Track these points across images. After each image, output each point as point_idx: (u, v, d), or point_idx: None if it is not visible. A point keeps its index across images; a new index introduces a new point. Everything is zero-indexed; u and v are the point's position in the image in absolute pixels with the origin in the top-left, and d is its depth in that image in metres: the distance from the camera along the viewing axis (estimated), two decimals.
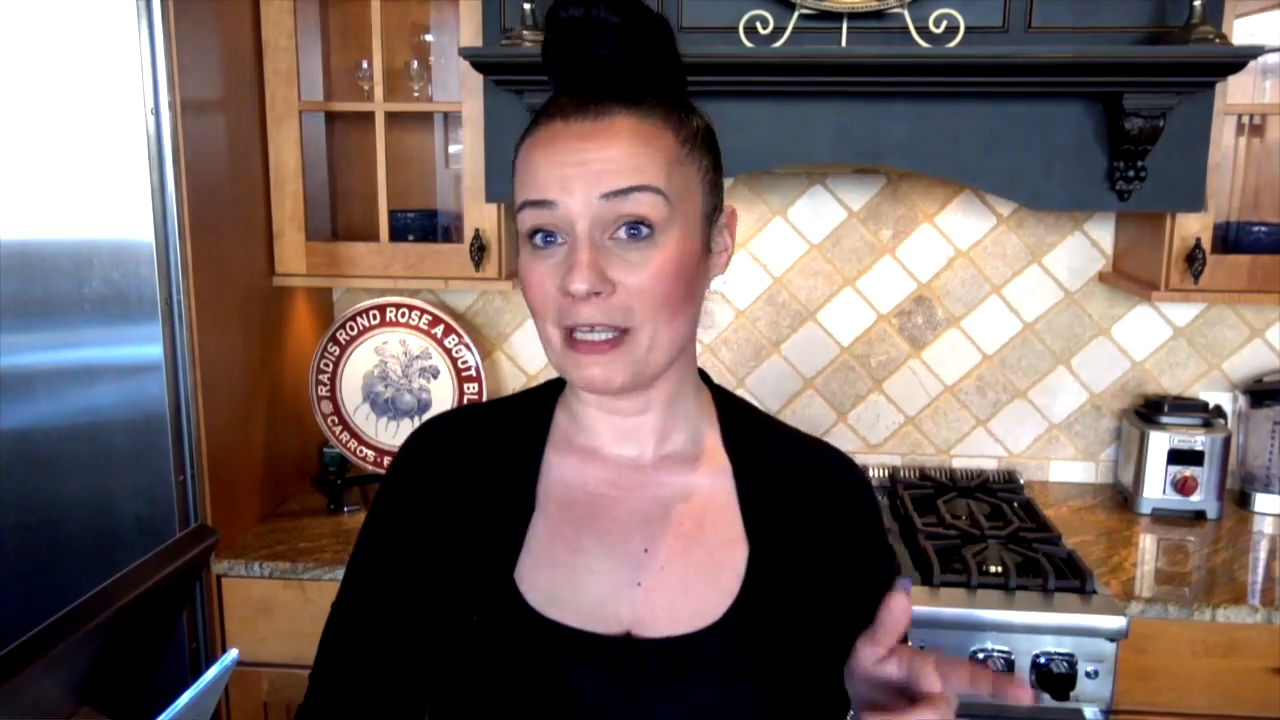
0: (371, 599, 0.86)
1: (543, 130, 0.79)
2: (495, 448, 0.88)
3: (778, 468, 0.87)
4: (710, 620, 0.80)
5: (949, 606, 1.60)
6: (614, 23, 0.76)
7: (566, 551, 0.83)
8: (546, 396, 0.91)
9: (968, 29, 1.68)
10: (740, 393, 0.94)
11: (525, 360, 2.28)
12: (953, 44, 1.68)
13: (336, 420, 2.15)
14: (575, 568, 0.82)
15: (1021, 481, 2.16)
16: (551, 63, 0.81)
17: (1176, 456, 1.99)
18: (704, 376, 0.91)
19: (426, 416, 2.14)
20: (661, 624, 0.80)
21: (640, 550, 0.82)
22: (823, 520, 0.86)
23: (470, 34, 1.84)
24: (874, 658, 0.68)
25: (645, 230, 0.75)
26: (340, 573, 1.76)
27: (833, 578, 0.84)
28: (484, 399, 2.15)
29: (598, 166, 0.74)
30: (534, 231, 0.77)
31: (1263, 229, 1.89)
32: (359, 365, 2.15)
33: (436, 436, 0.90)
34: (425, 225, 2.06)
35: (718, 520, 0.84)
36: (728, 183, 2.02)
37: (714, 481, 0.86)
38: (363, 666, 0.85)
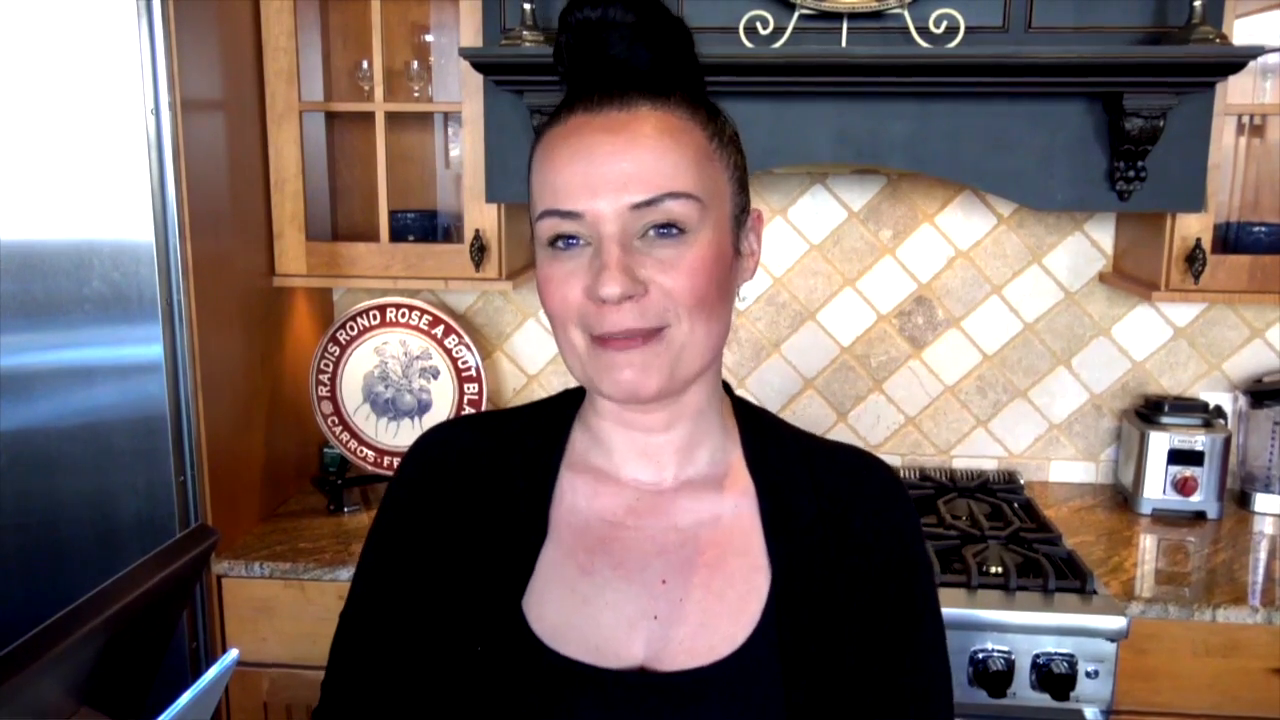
0: (376, 618, 0.83)
1: (563, 124, 0.74)
2: (507, 465, 0.83)
3: (804, 485, 0.82)
4: (727, 653, 0.76)
5: (949, 607, 1.59)
6: (629, 22, 0.73)
7: (579, 581, 0.78)
8: (563, 410, 0.87)
9: (968, 29, 1.68)
10: (740, 393, 0.91)
11: (526, 360, 2.28)
12: (953, 44, 1.68)
13: (336, 420, 2.15)
14: (588, 599, 0.78)
15: (1022, 482, 2.16)
16: (565, 65, 0.77)
17: (1177, 456, 1.99)
18: (726, 387, 0.87)
19: (427, 417, 2.16)
20: (678, 658, 0.76)
21: (658, 581, 0.78)
22: (855, 535, 0.81)
23: (470, 34, 1.84)
24: None
25: (676, 230, 0.72)
26: (340, 573, 1.77)
27: (863, 596, 0.79)
28: (484, 399, 2.15)
29: (626, 169, 0.71)
30: (555, 238, 0.73)
31: (1263, 229, 1.89)
32: (359, 365, 2.15)
33: (444, 446, 0.86)
34: (425, 225, 2.06)
35: (740, 548, 0.79)
36: None
37: (737, 506, 0.81)
38: (370, 683, 0.82)
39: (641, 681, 0.75)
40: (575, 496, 0.82)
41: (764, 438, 0.85)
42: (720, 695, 0.75)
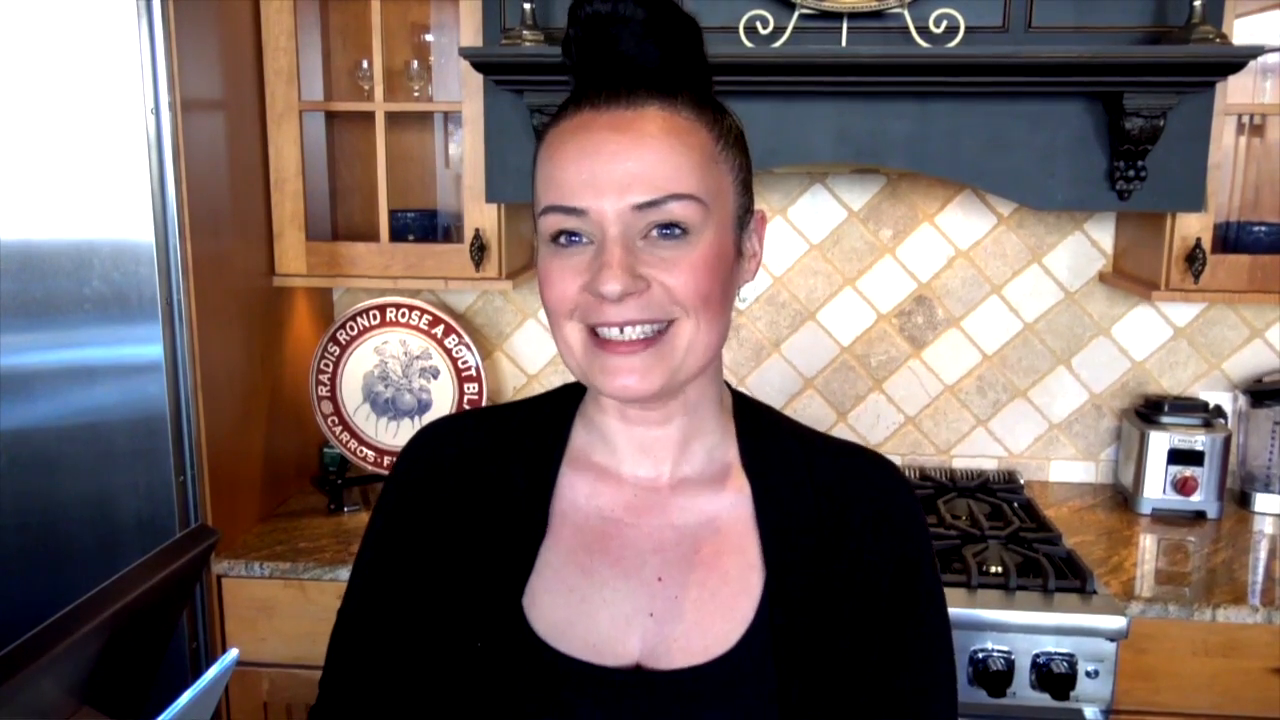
0: (374, 613, 0.83)
1: (570, 120, 0.74)
2: (507, 460, 0.84)
3: (802, 483, 0.82)
4: (721, 652, 0.76)
5: (949, 606, 1.59)
6: (640, 18, 0.72)
7: (577, 579, 0.79)
8: (564, 406, 0.87)
9: (968, 29, 1.68)
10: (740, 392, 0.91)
11: (525, 360, 2.28)
12: (953, 44, 1.68)
13: (336, 420, 2.15)
14: (586, 596, 0.78)
15: (1021, 481, 2.16)
16: (574, 60, 0.76)
17: (1176, 456, 1.99)
18: (727, 384, 0.87)
19: (427, 417, 2.16)
20: (674, 656, 0.76)
21: (654, 579, 0.79)
22: (853, 534, 0.80)
23: (470, 34, 1.84)
24: None
25: (679, 231, 0.72)
26: (340, 573, 1.77)
27: (860, 594, 0.79)
28: (484, 399, 2.15)
29: (631, 169, 0.71)
30: (558, 234, 0.73)
31: (1263, 229, 1.89)
32: (359, 365, 2.15)
33: (442, 441, 0.86)
34: (425, 225, 2.06)
35: (736, 546, 0.80)
36: None
37: (733, 504, 0.81)
38: (369, 678, 0.83)
39: (637, 680, 0.76)
40: (575, 493, 0.82)
41: (762, 435, 0.85)
42: (715, 693, 0.75)
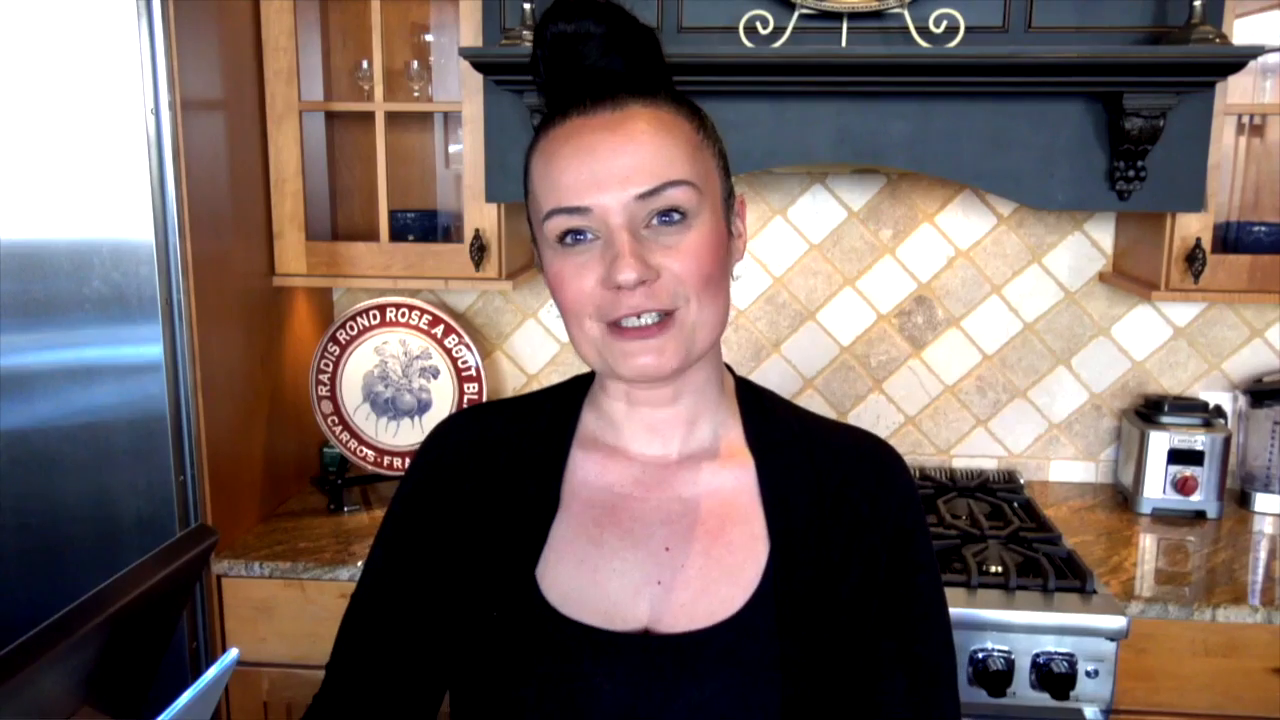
0: (391, 591, 0.88)
1: (560, 127, 0.79)
2: (521, 445, 0.89)
3: (803, 460, 0.86)
4: (726, 616, 0.80)
5: (949, 606, 1.59)
6: (600, 32, 0.77)
7: (588, 550, 0.83)
8: (573, 394, 0.92)
9: (968, 29, 1.68)
10: None
11: (525, 360, 2.28)
12: (953, 44, 1.68)
13: (336, 420, 2.15)
14: (596, 567, 0.83)
15: (1022, 481, 2.16)
16: (544, 78, 0.81)
17: (1176, 456, 1.99)
18: (728, 367, 0.92)
19: (427, 417, 2.16)
20: (680, 622, 0.80)
21: (662, 549, 0.83)
22: (851, 508, 0.84)
23: (470, 34, 1.84)
24: None
25: (678, 216, 0.76)
26: (340, 573, 1.77)
27: (859, 565, 0.83)
28: (484, 399, 2.15)
29: (627, 163, 0.75)
30: (564, 234, 0.77)
31: (1263, 229, 1.89)
32: (359, 365, 2.15)
33: (462, 431, 0.91)
34: (425, 225, 2.06)
35: (741, 518, 0.84)
36: None
37: (737, 478, 0.86)
38: (380, 658, 0.86)
39: (645, 643, 0.80)
40: (586, 471, 0.87)
41: (764, 415, 0.90)
42: (720, 655, 0.79)
